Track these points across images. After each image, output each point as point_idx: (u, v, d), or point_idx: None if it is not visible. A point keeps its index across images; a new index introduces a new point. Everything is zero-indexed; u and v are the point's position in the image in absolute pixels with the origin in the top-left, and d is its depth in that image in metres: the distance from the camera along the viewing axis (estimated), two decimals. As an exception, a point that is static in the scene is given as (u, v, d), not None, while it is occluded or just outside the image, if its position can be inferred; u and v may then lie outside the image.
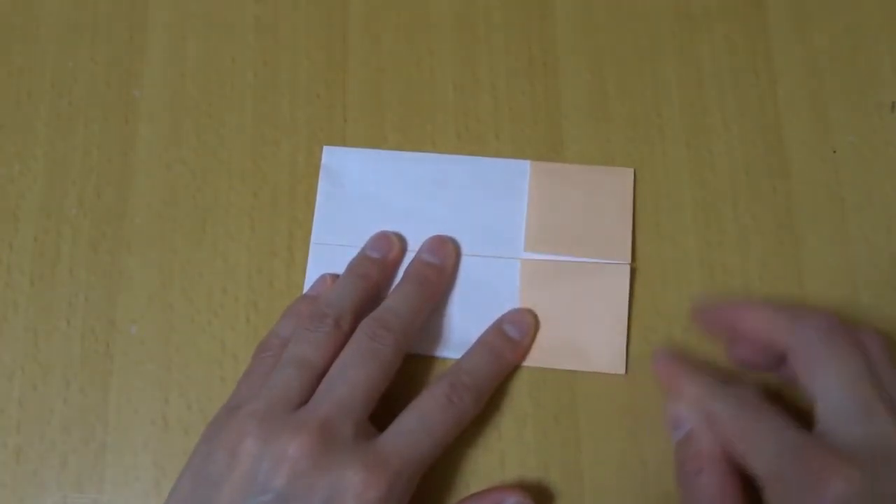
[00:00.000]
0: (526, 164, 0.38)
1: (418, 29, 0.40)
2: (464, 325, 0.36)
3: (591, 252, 0.36)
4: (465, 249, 0.37)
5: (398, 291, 0.35)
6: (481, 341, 0.35)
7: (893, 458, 0.27)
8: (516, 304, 0.36)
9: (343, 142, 0.38)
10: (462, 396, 0.32)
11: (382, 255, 0.36)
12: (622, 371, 0.35)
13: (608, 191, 0.37)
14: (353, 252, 0.37)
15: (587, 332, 0.35)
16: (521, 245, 0.37)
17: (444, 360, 0.35)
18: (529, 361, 0.35)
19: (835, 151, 0.38)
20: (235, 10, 0.41)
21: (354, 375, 0.31)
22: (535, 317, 0.36)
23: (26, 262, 0.37)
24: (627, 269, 0.36)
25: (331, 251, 0.37)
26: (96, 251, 0.37)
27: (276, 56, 0.40)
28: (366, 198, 0.38)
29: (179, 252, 0.37)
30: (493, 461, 0.34)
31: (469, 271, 0.37)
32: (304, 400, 0.31)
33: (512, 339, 0.35)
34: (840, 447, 0.28)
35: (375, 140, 0.38)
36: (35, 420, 0.35)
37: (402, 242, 0.37)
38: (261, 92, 0.39)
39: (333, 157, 0.38)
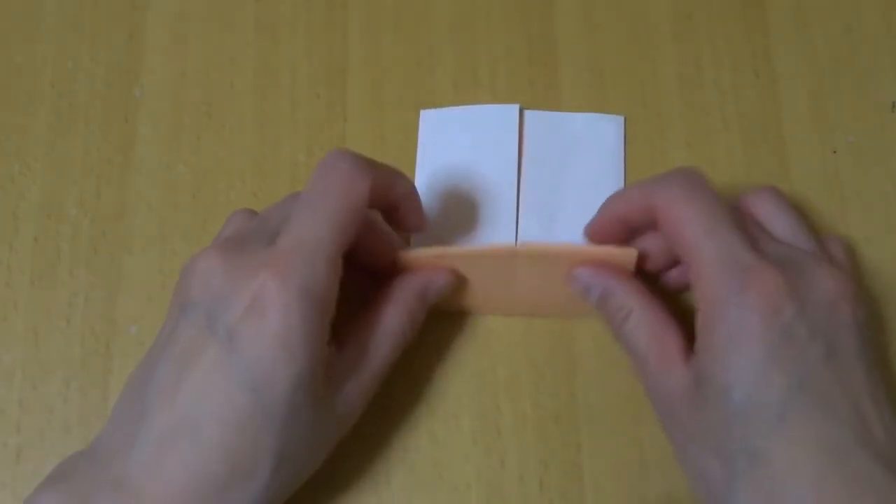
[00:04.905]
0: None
1: (418, 29, 0.40)
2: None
3: None
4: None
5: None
6: None
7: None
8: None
9: (343, 142, 0.38)
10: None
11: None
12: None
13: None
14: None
15: None
16: None
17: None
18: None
19: (835, 151, 0.38)
20: (235, 10, 0.41)
21: (294, 207, 0.30)
22: None
23: (26, 262, 0.37)
24: None
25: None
26: (96, 251, 0.37)
27: (276, 56, 0.40)
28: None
29: (179, 252, 0.37)
30: (493, 461, 0.34)
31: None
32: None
33: None
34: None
35: (375, 139, 0.38)
36: (35, 420, 0.35)
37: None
38: (261, 92, 0.39)
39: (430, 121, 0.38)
